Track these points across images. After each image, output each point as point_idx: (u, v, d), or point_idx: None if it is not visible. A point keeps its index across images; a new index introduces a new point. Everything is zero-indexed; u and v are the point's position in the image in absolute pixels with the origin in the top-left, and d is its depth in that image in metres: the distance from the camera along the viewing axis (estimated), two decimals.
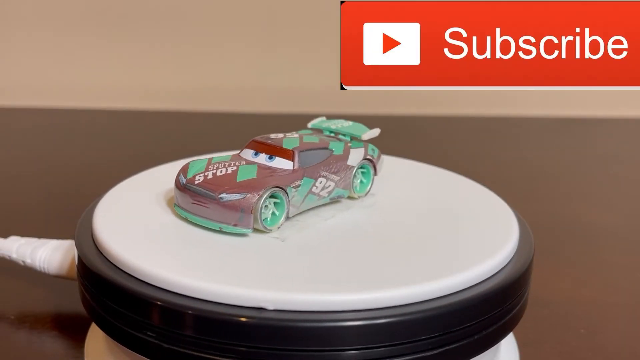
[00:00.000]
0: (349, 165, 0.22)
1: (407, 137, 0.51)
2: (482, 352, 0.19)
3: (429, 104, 0.58)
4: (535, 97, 0.58)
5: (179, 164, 0.26)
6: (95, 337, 0.23)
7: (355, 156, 0.23)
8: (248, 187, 0.20)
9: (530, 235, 0.22)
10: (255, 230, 0.20)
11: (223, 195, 0.20)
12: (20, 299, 0.26)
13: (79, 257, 0.20)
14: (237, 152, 0.22)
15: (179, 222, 0.21)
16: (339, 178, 0.22)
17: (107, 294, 0.18)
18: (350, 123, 0.24)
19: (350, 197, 0.23)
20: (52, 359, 0.23)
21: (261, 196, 0.20)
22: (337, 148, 0.22)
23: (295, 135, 0.23)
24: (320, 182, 0.21)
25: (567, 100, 0.58)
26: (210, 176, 0.21)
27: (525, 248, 0.21)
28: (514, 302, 0.19)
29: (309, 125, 0.24)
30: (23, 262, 0.24)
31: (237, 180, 0.20)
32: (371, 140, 0.24)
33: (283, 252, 0.19)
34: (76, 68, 0.57)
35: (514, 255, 0.20)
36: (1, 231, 0.27)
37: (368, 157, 0.23)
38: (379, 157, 0.24)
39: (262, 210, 0.20)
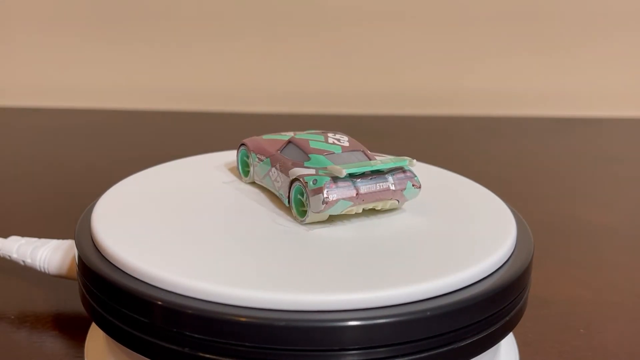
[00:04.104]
0: (286, 176, 0.22)
1: (407, 137, 0.51)
2: (482, 352, 0.19)
3: (429, 104, 0.58)
4: (535, 97, 0.58)
5: (178, 164, 0.26)
6: (95, 337, 0.23)
7: (295, 173, 0.21)
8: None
9: (530, 234, 0.22)
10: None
11: None
12: (21, 299, 0.26)
13: (79, 257, 0.20)
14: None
15: (179, 221, 0.21)
16: (281, 182, 0.22)
17: (107, 294, 0.18)
18: (393, 164, 0.21)
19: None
20: (52, 358, 0.23)
21: (238, 149, 0.24)
22: (316, 162, 0.21)
23: (332, 137, 0.23)
24: (274, 173, 0.23)
25: (567, 100, 0.59)
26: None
27: (524, 247, 0.21)
28: (513, 301, 0.19)
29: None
30: (23, 262, 0.24)
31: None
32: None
33: (282, 252, 0.19)
34: (76, 68, 0.57)
35: (513, 255, 0.20)
36: (1, 231, 0.27)
37: (301, 181, 0.21)
38: (314, 192, 0.20)
39: (252, 164, 0.24)
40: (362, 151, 0.22)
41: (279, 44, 0.57)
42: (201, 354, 0.17)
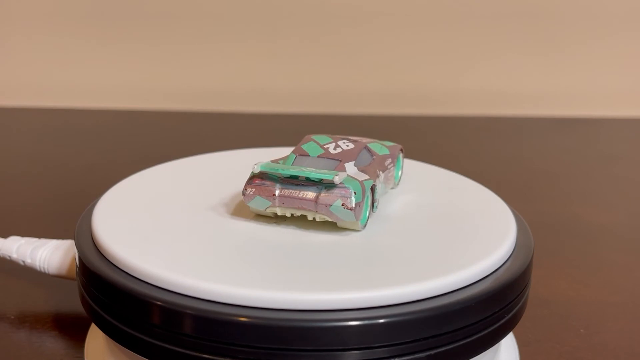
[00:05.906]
0: None
1: (407, 137, 0.51)
2: (482, 351, 0.19)
3: (429, 104, 0.58)
4: (535, 97, 0.58)
5: (178, 164, 0.26)
6: (95, 337, 0.23)
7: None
8: None
9: (530, 234, 0.22)
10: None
11: None
12: (20, 299, 0.26)
13: (79, 257, 0.20)
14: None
15: (179, 221, 0.21)
16: None
17: (107, 294, 0.18)
18: (312, 174, 0.20)
19: None
20: (52, 358, 0.23)
21: None
22: (289, 160, 0.22)
23: (334, 142, 0.23)
24: None
25: (567, 100, 0.59)
26: None
27: (524, 247, 0.21)
28: (513, 301, 0.19)
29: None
30: (23, 262, 0.24)
31: None
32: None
33: (283, 251, 0.19)
34: (76, 68, 0.57)
35: (513, 255, 0.20)
36: (1, 231, 0.27)
37: None
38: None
39: None
40: (340, 161, 0.21)
41: (279, 44, 0.57)
42: (201, 354, 0.17)
